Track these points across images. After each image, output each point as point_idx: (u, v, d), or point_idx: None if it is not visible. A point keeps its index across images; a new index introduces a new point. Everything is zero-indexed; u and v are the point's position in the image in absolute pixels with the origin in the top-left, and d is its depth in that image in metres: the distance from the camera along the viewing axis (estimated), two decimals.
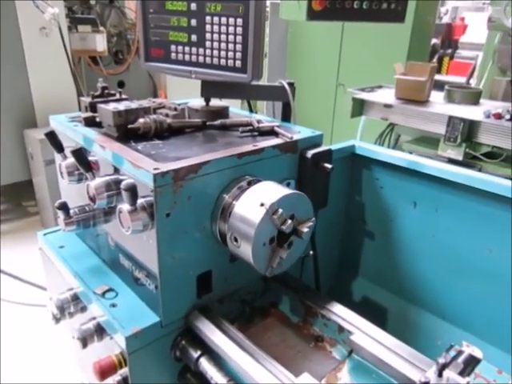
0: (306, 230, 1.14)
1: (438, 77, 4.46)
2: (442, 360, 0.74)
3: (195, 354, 1.18)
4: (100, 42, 3.92)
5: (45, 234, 1.57)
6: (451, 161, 2.81)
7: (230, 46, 1.29)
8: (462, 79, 5.62)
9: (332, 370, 1.21)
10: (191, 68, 1.38)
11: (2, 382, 2.15)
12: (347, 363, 1.22)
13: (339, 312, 1.28)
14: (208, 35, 1.31)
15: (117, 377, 1.17)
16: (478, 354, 0.80)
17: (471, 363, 0.78)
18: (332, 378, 1.18)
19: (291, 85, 1.53)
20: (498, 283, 1.44)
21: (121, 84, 4.56)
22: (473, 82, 4.83)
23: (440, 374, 0.72)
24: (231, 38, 1.28)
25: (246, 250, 1.08)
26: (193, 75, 1.39)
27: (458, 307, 1.56)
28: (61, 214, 1.25)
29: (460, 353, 0.79)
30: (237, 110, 1.64)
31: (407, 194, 1.60)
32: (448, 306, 1.59)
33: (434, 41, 6.28)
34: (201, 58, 1.36)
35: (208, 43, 1.33)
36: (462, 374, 0.73)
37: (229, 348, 1.10)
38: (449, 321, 1.59)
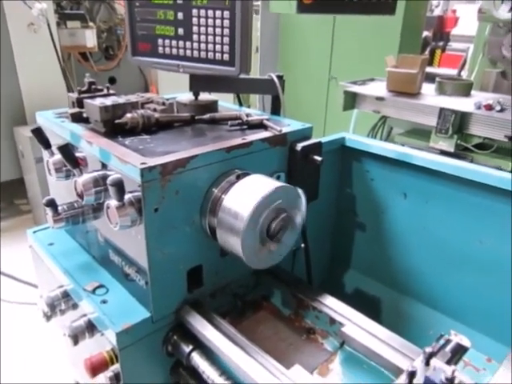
0: (296, 221, 1.13)
1: (429, 69, 4.47)
2: (429, 349, 0.74)
3: (187, 348, 1.18)
4: (90, 38, 3.88)
5: (34, 232, 1.56)
6: (443, 152, 2.82)
7: (218, 39, 1.28)
8: (453, 71, 5.65)
9: (324, 361, 1.21)
10: (179, 62, 1.37)
11: None
12: (339, 355, 1.23)
13: (330, 304, 1.29)
14: (195, 28, 1.30)
15: (108, 373, 1.17)
16: (465, 342, 0.81)
17: (459, 352, 0.78)
18: (324, 369, 1.18)
19: (280, 78, 1.52)
20: (488, 273, 1.45)
21: (112, 80, 4.53)
22: (464, 74, 4.84)
23: (427, 363, 0.73)
24: (218, 30, 1.27)
25: (235, 245, 1.08)
26: (180, 69, 1.38)
27: (449, 297, 1.57)
28: (49, 211, 1.24)
29: (448, 342, 0.80)
30: (226, 103, 1.63)
31: (398, 186, 1.61)
32: (439, 297, 1.60)
33: (425, 33, 6.29)
34: (188, 52, 1.35)
35: (195, 36, 1.32)
36: (449, 362, 0.73)
37: (220, 342, 1.10)
38: (440, 311, 1.60)
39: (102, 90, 1.44)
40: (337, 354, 1.23)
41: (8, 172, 3.64)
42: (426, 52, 6.49)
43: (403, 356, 1.06)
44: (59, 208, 1.26)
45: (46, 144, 1.30)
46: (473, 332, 1.44)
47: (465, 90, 3.12)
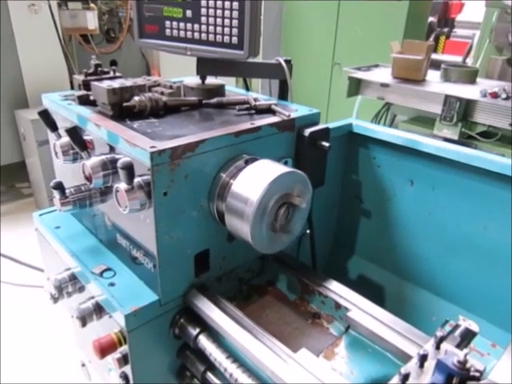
0: (303, 207, 1.14)
1: (434, 56, 4.42)
2: (439, 333, 0.75)
3: (194, 331, 1.20)
4: (91, 20, 3.83)
5: (40, 215, 1.56)
6: (447, 140, 2.81)
7: (226, 21, 1.27)
8: (458, 58, 5.59)
9: (329, 345, 1.22)
10: (186, 45, 1.35)
11: (1, 364, 2.17)
12: (344, 339, 1.24)
13: (336, 289, 1.30)
14: (203, 10, 1.28)
15: (116, 354, 1.19)
16: (474, 327, 0.82)
17: (468, 336, 0.79)
18: (329, 353, 1.20)
19: (288, 62, 1.50)
20: (492, 260, 1.46)
21: (113, 63, 4.48)
22: (469, 61, 4.80)
23: (438, 347, 0.74)
24: (227, 13, 1.25)
25: (244, 229, 1.08)
26: (188, 52, 1.36)
27: (452, 284, 1.58)
28: (56, 194, 1.24)
29: (457, 326, 0.81)
30: (233, 88, 1.62)
31: (404, 173, 1.61)
32: (443, 283, 1.61)
33: (430, 19, 6.22)
34: (196, 35, 1.33)
35: (203, 19, 1.30)
36: (458, 346, 0.74)
37: (227, 325, 1.11)
38: (444, 297, 1.61)
39: (108, 73, 1.43)
40: (342, 338, 1.25)
41: (9, 155, 3.62)
42: (431, 38, 6.42)
43: (407, 340, 1.07)
44: (66, 191, 1.25)
45: (53, 126, 1.29)
46: (477, 318, 1.45)
47: (470, 77, 3.10)
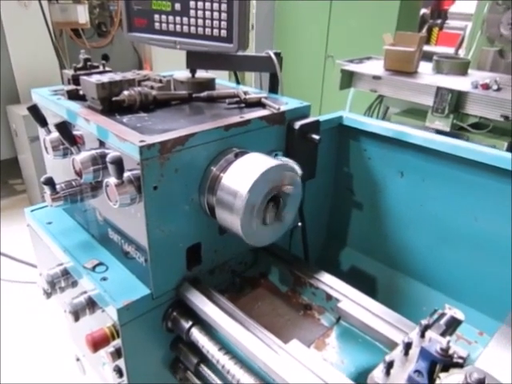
0: (294, 200, 1.14)
1: (427, 48, 4.43)
2: (424, 322, 0.76)
3: (186, 324, 1.21)
4: (82, 14, 3.79)
5: (32, 211, 1.56)
6: (439, 132, 2.82)
7: (215, 14, 1.26)
8: (451, 50, 5.59)
9: (320, 336, 1.24)
10: (175, 38, 1.35)
11: None
12: (335, 329, 1.25)
13: (327, 281, 1.31)
14: (192, 3, 1.28)
15: (109, 348, 1.19)
16: (459, 315, 0.83)
17: (453, 324, 0.80)
18: (320, 343, 1.21)
19: (278, 55, 1.50)
20: (482, 250, 1.47)
21: (105, 57, 4.44)
22: (462, 53, 4.81)
23: (423, 335, 0.75)
24: (216, 6, 1.25)
25: (234, 223, 1.09)
26: (177, 46, 1.36)
27: (443, 274, 1.60)
28: (47, 190, 1.24)
29: (442, 315, 0.82)
30: (224, 81, 1.62)
31: (395, 165, 1.62)
32: (434, 273, 1.63)
33: (423, 11, 6.21)
34: (185, 28, 1.33)
35: (192, 12, 1.29)
36: (443, 334, 0.76)
37: (219, 317, 1.12)
38: (434, 287, 1.63)
39: (97, 67, 1.42)
40: (333, 328, 1.26)
41: (1, 152, 3.60)
42: (424, 30, 6.41)
43: (397, 330, 1.09)
44: (57, 187, 1.25)
45: (43, 122, 1.28)
46: (466, 307, 1.47)
47: (462, 68, 3.11)
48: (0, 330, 2.36)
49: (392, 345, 1.06)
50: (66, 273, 1.34)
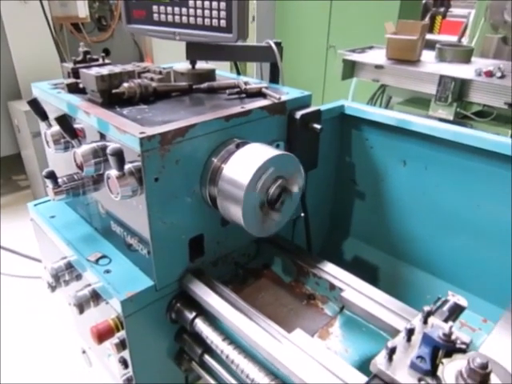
0: (295, 189, 1.14)
1: (430, 36, 4.38)
2: (427, 308, 0.76)
3: (190, 315, 1.21)
4: (81, 8, 3.77)
5: (35, 205, 1.56)
6: (442, 121, 2.80)
7: (214, 4, 1.25)
8: (454, 38, 5.52)
9: (324, 325, 1.24)
10: (175, 29, 1.34)
11: (2, 354, 2.20)
12: (338, 319, 1.26)
13: (330, 270, 1.31)
14: None
15: (114, 340, 1.20)
16: (462, 302, 0.83)
17: (456, 311, 0.80)
18: (324, 332, 1.22)
19: (278, 44, 1.49)
20: (485, 237, 1.47)
21: (106, 51, 4.43)
22: (465, 41, 4.75)
23: (425, 322, 0.75)
24: None
25: (236, 213, 1.09)
26: (177, 37, 1.35)
27: (446, 262, 1.59)
28: (49, 183, 1.24)
29: (445, 302, 0.82)
30: (224, 72, 1.61)
31: (397, 153, 1.61)
32: (437, 262, 1.62)
33: None
34: (184, 19, 1.32)
35: (191, 2, 1.28)
36: (446, 320, 0.75)
37: (223, 308, 1.12)
38: (438, 275, 1.63)
39: (97, 60, 1.42)
40: (336, 318, 1.26)
41: (5, 148, 3.61)
42: (427, 18, 6.33)
43: (401, 318, 1.09)
44: (59, 180, 1.26)
45: (43, 115, 1.28)
46: (469, 295, 1.46)
47: (465, 56, 3.07)
48: (3, 325, 2.38)
49: (396, 333, 1.05)
50: (69, 266, 1.35)
